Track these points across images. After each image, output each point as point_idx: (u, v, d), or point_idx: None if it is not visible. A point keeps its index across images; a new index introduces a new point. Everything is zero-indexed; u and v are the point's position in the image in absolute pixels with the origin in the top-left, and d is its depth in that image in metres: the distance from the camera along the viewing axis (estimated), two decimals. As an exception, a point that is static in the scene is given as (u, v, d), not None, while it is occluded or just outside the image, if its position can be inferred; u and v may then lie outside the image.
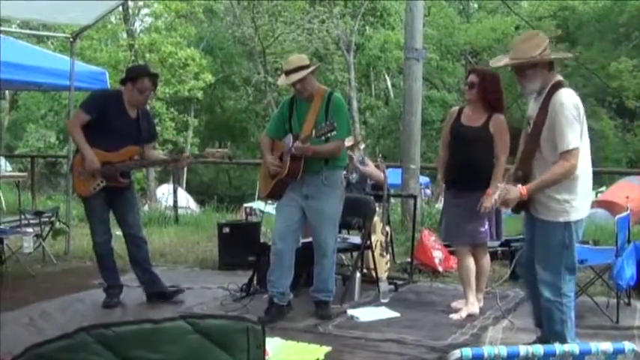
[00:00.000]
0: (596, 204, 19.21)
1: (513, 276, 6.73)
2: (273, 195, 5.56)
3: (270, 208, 11.71)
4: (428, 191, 17.43)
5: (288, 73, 5.32)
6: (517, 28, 29.79)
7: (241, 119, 32.37)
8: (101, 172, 5.66)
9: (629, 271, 5.54)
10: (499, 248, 7.30)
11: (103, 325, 1.87)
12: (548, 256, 4.23)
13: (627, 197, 10.04)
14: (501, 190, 4.17)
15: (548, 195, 4.18)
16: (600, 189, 25.60)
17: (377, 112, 31.45)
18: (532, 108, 4.33)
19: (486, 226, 5.56)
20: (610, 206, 13.47)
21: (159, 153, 6.51)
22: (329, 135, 5.08)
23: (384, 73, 32.23)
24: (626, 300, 5.96)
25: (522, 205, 4.30)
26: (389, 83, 32.70)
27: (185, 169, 24.98)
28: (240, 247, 7.58)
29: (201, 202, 20.46)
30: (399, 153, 29.03)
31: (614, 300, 5.58)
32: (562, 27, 31.54)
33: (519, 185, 4.15)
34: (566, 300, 4.23)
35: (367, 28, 28.88)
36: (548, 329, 4.33)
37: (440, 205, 10.25)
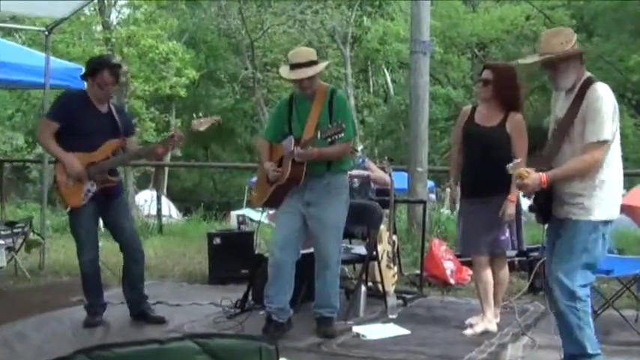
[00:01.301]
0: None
1: (532, 288, 6.75)
2: (272, 202, 5.55)
3: (259, 215, 11.63)
4: (433, 196, 17.49)
5: (295, 66, 5.30)
6: (528, 18, 29.93)
7: (227, 119, 32.31)
8: (87, 174, 5.63)
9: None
10: (516, 258, 7.30)
11: (101, 347, 1.86)
12: (566, 256, 4.27)
13: (653, 201, 10.03)
14: (516, 165, 4.20)
15: (574, 193, 4.25)
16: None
17: (376, 110, 31.52)
18: (561, 106, 4.38)
19: (507, 234, 5.58)
20: (631, 211, 13.46)
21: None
22: (336, 137, 5.07)
23: (383, 68, 32.30)
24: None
25: (547, 214, 4.37)
26: (388, 79, 32.75)
27: (166, 174, 24.97)
28: (233, 259, 7.58)
29: (184, 210, 20.46)
30: (399, 154, 29.06)
31: (644, 313, 5.59)
32: (576, 17, 31.68)
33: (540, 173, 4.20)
34: (582, 305, 4.26)
35: (365, 18, 28.95)
36: (565, 338, 4.35)
37: (448, 212, 10.31)
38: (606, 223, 4.27)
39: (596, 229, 4.24)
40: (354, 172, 6.96)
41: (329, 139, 5.10)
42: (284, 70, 5.52)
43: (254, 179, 24.45)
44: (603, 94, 4.17)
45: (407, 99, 29.22)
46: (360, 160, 7.34)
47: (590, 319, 4.31)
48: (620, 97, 30.95)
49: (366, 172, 7.13)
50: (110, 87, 5.73)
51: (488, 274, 5.67)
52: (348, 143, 5.39)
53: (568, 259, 4.25)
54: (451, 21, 29.39)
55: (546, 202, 4.34)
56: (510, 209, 5.27)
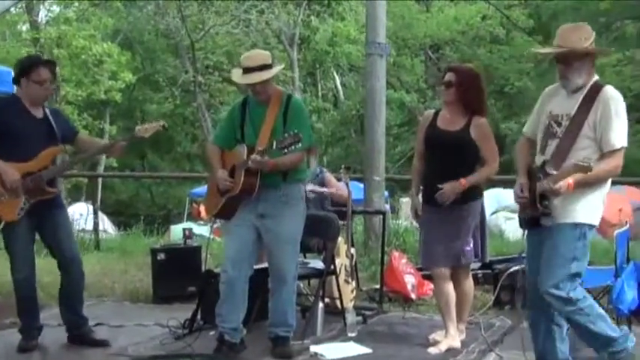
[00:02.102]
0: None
1: (498, 302, 6.82)
2: (223, 214, 5.52)
3: (204, 229, 11.58)
4: (387, 206, 17.55)
5: (248, 70, 5.30)
6: (484, 18, 30.37)
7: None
8: (24, 185, 5.51)
9: (630, 294, 5.66)
10: (480, 271, 7.38)
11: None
12: (554, 267, 4.38)
13: (620, 210, 10.28)
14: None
15: (565, 199, 4.36)
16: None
17: (325, 115, 31.61)
18: (561, 105, 4.50)
19: (472, 245, 5.63)
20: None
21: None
22: (292, 148, 5.08)
23: (332, 71, 32.42)
24: (627, 327, 6.07)
25: (535, 219, 4.47)
26: (338, 82, 32.90)
27: (100, 185, 24.65)
28: (179, 276, 7.51)
29: (119, 225, 20.21)
30: (350, 162, 29.05)
31: (614, 327, 5.67)
32: (534, 17, 32.25)
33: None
34: (583, 303, 4.42)
35: (313, 18, 29.00)
36: (586, 339, 4.55)
37: (407, 223, 10.38)
38: (591, 227, 4.42)
39: (582, 234, 4.39)
40: (311, 186, 6.99)
41: (285, 150, 5.09)
42: (236, 74, 5.51)
43: (196, 190, 24.31)
44: (618, 98, 4.37)
45: (358, 104, 29.63)
46: (318, 171, 7.36)
47: (597, 308, 4.49)
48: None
49: (324, 190, 7.16)
50: (49, 84, 5.66)
51: (449, 287, 5.71)
52: (303, 152, 5.41)
53: (556, 271, 4.38)
54: (404, 21, 29.67)
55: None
56: (455, 188, 5.35)
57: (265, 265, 5.64)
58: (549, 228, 4.43)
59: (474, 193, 5.57)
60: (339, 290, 6.50)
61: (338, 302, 6.54)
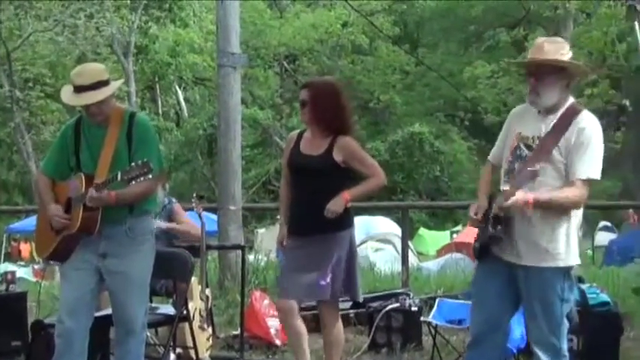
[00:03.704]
0: (454, 246, 20.28)
1: (374, 345, 6.90)
2: (58, 255, 5.34)
3: (26, 271, 11.20)
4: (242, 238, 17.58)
5: (80, 89, 5.17)
6: (344, 25, 31.05)
7: (-23, 149, 31.11)
8: None
9: (518, 331, 5.84)
10: (352, 310, 7.46)
11: None
12: (546, 313, 4.46)
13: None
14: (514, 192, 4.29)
15: (543, 233, 4.43)
16: (455, 228, 26.96)
17: (167, 136, 31.38)
18: (531, 125, 4.55)
19: (329, 279, 5.61)
20: (469, 249, 14.25)
21: None
22: (142, 179, 4.97)
23: (174, 85, 32.29)
24: (516, 367, 6.28)
25: (486, 249, 4.53)
26: (181, 98, 32.83)
27: None
28: (1, 328, 7.23)
29: None
30: (198, 189, 28.84)
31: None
32: (399, 24, 33.20)
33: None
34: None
35: (152, 25, 28.82)
36: None
37: (266, 257, 10.41)
38: (572, 267, 4.53)
39: (568, 275, 4.49)
40: (157, 222, 6.87)
41: (133, 182, 4.98)
42: (66, 94, 5.32)
43: (14, 225, 23.51)
44: (596, 125, 4.44)
45: (205, 122, 29.57)
46: (166, 201, 7.26)
47: None
48: (450, 117, 32.73)
49: (174, 227, 7.07)
50: None
51: (296, 323, 5.69)
52: (153, 181, 5.31)
53: (549, 315, 4.47)
54: (255, 28, 29.91)
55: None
56: (338, 205, 5.40)
57: (108, 311, 5.51)
58: (527, 269, 4.47)
59: (342, 222, 5.60)
60: (193, 339, 6.42)
61: (192, 352, 6.46)
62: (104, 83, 5.16)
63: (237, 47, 9.26)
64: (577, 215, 4.51)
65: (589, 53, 21.50)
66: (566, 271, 4.47)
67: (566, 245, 4.44)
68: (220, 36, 9.31)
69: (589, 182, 4.39)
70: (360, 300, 6.20)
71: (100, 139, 5.22)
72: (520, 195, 4.29)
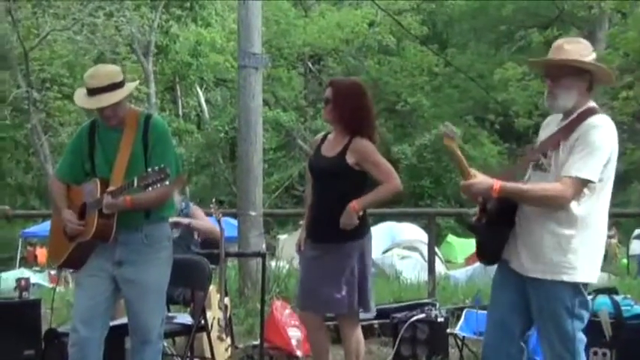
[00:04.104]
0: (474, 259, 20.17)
1: (398, 357, 6.87)
2: (72, 262, 5.36)
3: (42, 277, 11.25)
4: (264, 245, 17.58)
5: (94, 91, 5.18)
6: (371, 24, 31.00)
7: (-8, 151, 31.33)
8: None
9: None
10: (376, 321, 7.43)
11: None
12: (556, 328, 4.36)
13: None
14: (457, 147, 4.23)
15: (544, 242, 4.33)
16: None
17: (188, 138, 31.48)
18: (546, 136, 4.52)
19: (344, 292, 5.59)
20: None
21: None
22: (158, 185, 4.98)
23: (195, 86, 32.36)
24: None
25: (496, 254, 4.47)
26: (202, 99, 32.86)
27: None
28: (13, 336, 7.24)
29: None
30: (219, 194, 28.83)
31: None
32: (427, 24, 33.11)
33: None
34: None
35: (173, 24, 28.93)
36: None
37: (289, 265, 10.39)
38: (586, 286, 4.39)
39: (579, 291, 4.34)
40: (172, 219, 6.88)
41: (149, 188, 4.99)
42: (80, 97, 5.34)
43: (30, 230, 23.54)
44: (602, 127, 4.30)
45: (226, 125, 29.61)
46: (183, 205, 7.27)
47: None
48: (480, 120, 32.59)
49: (190, 222, 7.07)
50: None
51: (320, 337, 5.75)
52: (169, 186, 5.31)
53: (561, 333, 4.36)
54: (279, 28, 29.93)
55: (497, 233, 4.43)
56: (349, 218, 5.36)
57: (124, 320, 5.51)
58: (535, 282, 4.38)
59: (355, 231, 5.57)
60: (211, 349, 6.42)
61: (210, 364, 6.47)
62: (119, 85, 5.16)
63: (258, 47, 9.24)
64: (593, 227, 4.35)
65: (625, 54, 21.34)
66: (575, 286, 4.32)
67: (575, 258, 4.29)
68: (242, 36, 9.28)
69: (580, 182, 4.21)
70: (373, 313, 6.19)
71: (116, 143, 5.23)
72: (482, 177, 4.23)
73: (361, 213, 5.47)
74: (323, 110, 5.76)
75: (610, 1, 23.31)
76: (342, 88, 5.73)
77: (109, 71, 5.25)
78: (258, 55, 9.17)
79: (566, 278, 4.28)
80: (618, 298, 6.54)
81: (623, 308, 6.45)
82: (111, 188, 5.02)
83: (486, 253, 4.57)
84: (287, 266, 10.26)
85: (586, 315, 4.44)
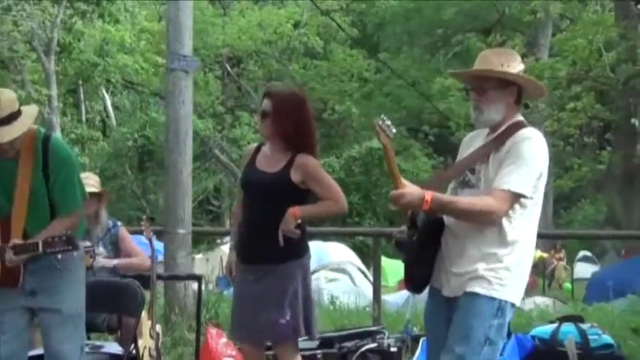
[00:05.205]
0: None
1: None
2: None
3: None
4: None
5: None
6: (296, 25, 31.06)
7: None
8: None
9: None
10: (319, 351, 7.42)
11: None
12: (464, 339, 4.32)
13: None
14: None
15: (474, 261, 4.35)
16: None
17: (92, 146, 31.16)
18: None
19: (288, 317, 5.59)
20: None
21: None
22: (64, 253, 4.98)
23: (101, 89, 32.07)
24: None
25: (426, 278, 4.51)
26: (108, 103, 32.60)
27: None
28: None
29: None
30: (127, 209, 28.49)
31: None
32: (358, 26, 33.32)
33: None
34: None
35: (77, 20, 28.58)
36: None
37: (219, 289, 10.37)
38: (512, 307, 4.42)
39: (502, 311, 4.35)
40: (101, 261, 6.82)
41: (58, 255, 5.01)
42: None
43: None
44: (534, 139, 4.36)
45: (135, 132, 29.35)
46: (111, 224, 7.18)
47: None
48: (413, 131, 32.83)
49: (111, 263, 6.98)
50: None
51: None
52: (75, 215, 5.27)
53: (468, 346, 4.32)
54: (195, 27, 29.75)
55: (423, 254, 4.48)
56: (288, 224, 5.38)
57: (40, 351, 5.46)
58: (456, 300, 4.42)
59: (296, 249, 5.58)
60: (142, 382, 6.38)
61: (141, 397, 6.41)
62: (17, 114, 5.04)
63: (189, 49, 9.21)
64: (524, 246, 4.42)
65: (573, 62, 21.65)
66: (498, 305, 4.34)
67: (507, 276, 4.33)
68: (171, 36, 9.26)
69: (513, 196, 4.27)
70: (316, 338, 6.20)
71: (12, 175, 5.12)
72: (413, 188, 4.28)
73: (299, 221, 5.45)
74: (260, 123, 5.72)
75: (558, 4, 23.53)
76: (283, 99, 5.67)
77: (7, 99, 5.06)
78: (189, 57, 9.15)
79: (495, 295, 4.32)
80: (585, 326, 6.65)
81: (590, 337, 6.57)
82: (14, 242, 5.04)
83: (415, 276, 4.59)
84: (216, 290, 10.25)
85: (501, 344, 4.47)
